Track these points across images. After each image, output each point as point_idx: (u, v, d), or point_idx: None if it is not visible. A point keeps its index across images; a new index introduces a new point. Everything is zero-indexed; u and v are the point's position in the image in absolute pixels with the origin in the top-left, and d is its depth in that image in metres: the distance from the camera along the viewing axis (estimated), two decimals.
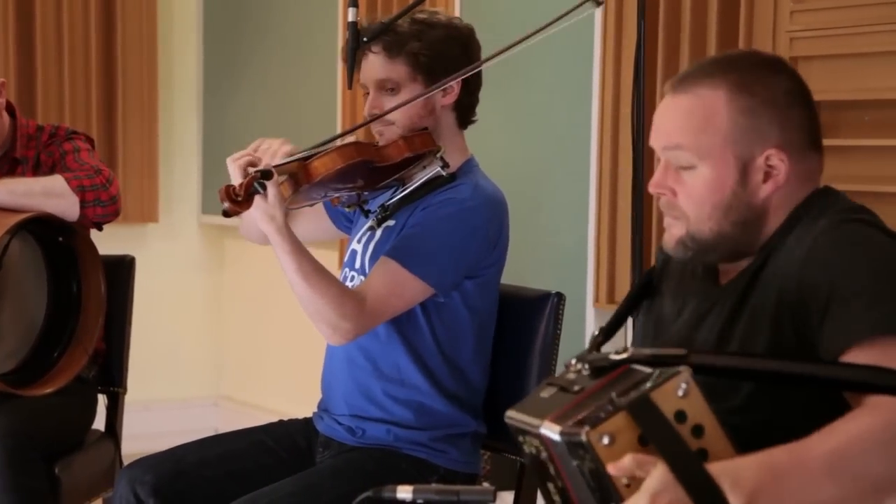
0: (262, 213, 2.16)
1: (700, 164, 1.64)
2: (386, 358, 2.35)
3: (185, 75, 5.01)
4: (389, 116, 2.32)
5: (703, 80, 1.66)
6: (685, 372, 1.41)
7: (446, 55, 2.33)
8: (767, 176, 1.64)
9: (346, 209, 2.47)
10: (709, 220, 1.65)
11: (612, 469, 1.37)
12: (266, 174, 2.14)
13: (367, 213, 2.41)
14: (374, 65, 2.33)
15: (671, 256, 1.80)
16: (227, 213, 2.13)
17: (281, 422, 2.52)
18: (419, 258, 2.26)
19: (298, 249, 2.22)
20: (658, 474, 1.37)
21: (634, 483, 1.39)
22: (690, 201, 1.66)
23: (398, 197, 2.36)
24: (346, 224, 2.57)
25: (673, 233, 1.69)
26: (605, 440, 1.38)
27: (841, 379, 1.48)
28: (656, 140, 1.69)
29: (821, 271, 1.55)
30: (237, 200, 2.13)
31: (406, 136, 2.31)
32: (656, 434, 1.38)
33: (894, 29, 2.76)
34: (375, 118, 2.31)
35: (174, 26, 4.96)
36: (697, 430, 1.41)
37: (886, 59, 2.81)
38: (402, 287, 2.26)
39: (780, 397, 1.56)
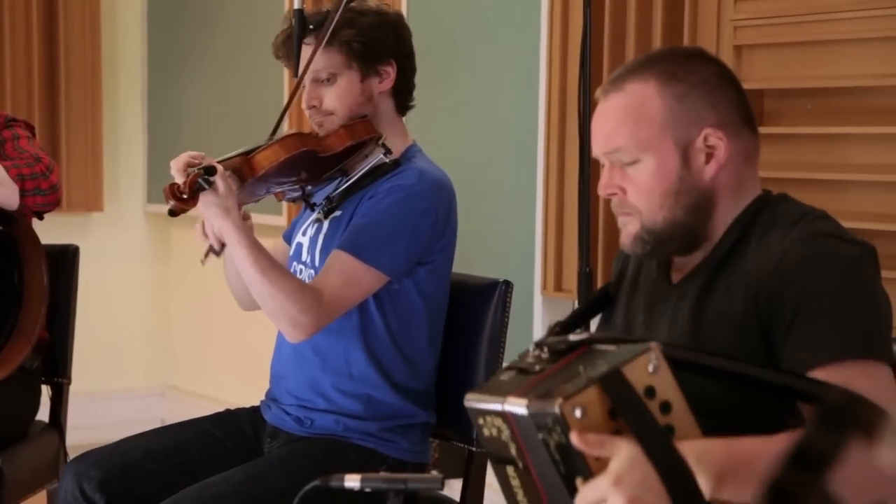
0: (214, 207, 2.16)
1: (643, 157, 1.66)
2: (335, 351, 2.35)
3: (130, 62, 4.95)
4: (328, 106, 2.33)
5: (631, 77, 1.69)
6: (655, 348, 1.41)
7: (379, 40, 2.34)
8: (709, 157, 1.67)
9: (292, 203, 2.46)
10: (661, 209, 1.67)
11: (579, 443, 1.37)
12: (210, 170, 2.14)
13: (312, 207, 2.41)
14: (309, 56, 2.33)
15: (624, 270, 1.82)
16: (173, 212, 2.13)
17: (228, 411, 2.50)
18: (371, 248, 2.26)
19: (255, 244, 2.22)
20: (624, 454, 1.37)
21: (603, 458, 1.39)
22: (640, 194, 1.67)
23: (343, 187, 2.36)
24: None
25: (629, 230, 1.70)
26: (578, 412, 1.38)
27: (807, 392, 1.49)
28: (597, 146, 1.71)
29: (792, 285, 1.57)
30: (182, 198, 2.13)
31: (346, 124, 2.31)
32: (627, 408, 1.39)
33: (836, 18, 2.80)
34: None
35: (118, 13, 4.90)
36: (665, 407, 1.42)
37: (828, 47, 2.84)
38: (357, 278, 2.26)
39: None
